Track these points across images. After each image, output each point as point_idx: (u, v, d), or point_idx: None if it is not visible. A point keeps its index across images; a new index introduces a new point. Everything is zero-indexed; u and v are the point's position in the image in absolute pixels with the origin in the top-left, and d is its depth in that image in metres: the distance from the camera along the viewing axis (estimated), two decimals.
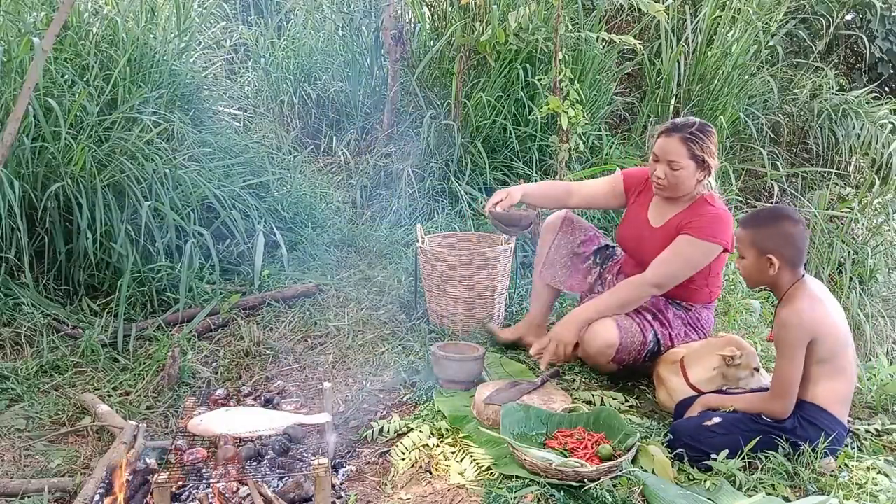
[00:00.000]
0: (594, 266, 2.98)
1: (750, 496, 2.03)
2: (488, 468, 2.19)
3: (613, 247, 3.04)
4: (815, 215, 5.08)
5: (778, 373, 2.17)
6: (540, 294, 3.08)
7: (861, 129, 5.63)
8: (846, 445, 2.29)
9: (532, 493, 2.04)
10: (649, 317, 2.70)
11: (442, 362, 2.75)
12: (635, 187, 2.84)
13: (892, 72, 6.16)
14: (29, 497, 2.21)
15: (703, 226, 2.58)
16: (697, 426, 2.24)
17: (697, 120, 2.64)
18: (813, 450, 2.14)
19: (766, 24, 5.46)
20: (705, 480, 2.11)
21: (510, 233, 2.98)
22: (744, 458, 2.14)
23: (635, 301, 2.64)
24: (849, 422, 2.36)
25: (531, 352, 2.72)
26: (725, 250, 2.64)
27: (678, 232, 2.62)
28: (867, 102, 5.82)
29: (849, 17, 6.04)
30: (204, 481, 2.17)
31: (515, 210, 2.82)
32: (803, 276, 2.22)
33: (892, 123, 5.73)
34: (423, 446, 2.37)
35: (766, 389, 2.29)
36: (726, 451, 2.13)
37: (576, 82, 3.90)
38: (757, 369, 2.41)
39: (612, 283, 2.90)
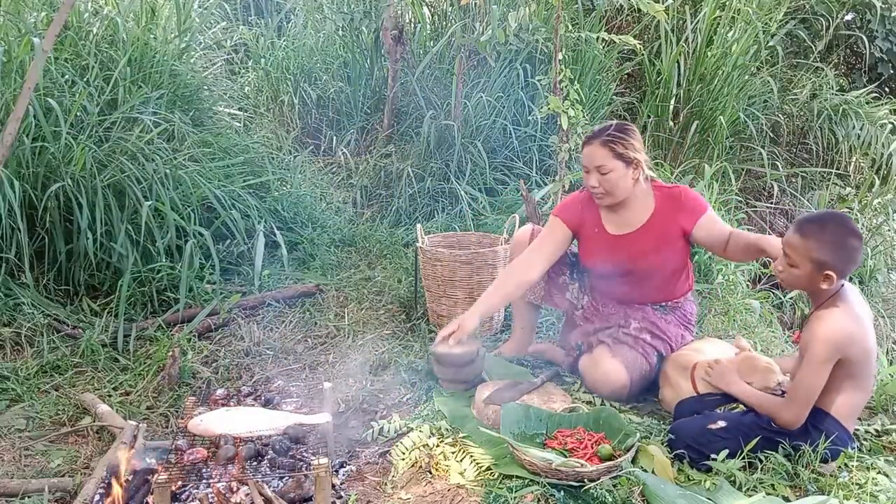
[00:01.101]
0: (571, 282, 2.93)
1: (750, 496, 2.03)
2: (488, 468, 2.19)
3: None
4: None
5: (799, 382, 2.10)
6: (521, 312, 3.03)
7: (861, 130, 5.64)
8: (848, 448, 2.28)
9: (532, 493, 2.04)
10: (648, 338, 2.69)
11: (442, 362, 2.74)
12: (574, 216, 2.78)
13: (892, 72, 6.16)
14: (29, 497, 2.21)
15: (696, 204, 2.65)
16: (701, 428, 2.21)
17: (615, 121, 2.67)
18: (813, 450, 2.14)
19: (766, 24, 5.47)
20: (705, 480, 2.10)
21: (452, 374, 2.68)
22: (744, 458, 2.13)
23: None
24: None
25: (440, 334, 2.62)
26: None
27: (675, 227, 2.64)
28: (867, 102, 5.82)
29: (849, 17, 6.05)
30: (204, 481, 2.17)
31: (457, 348, 2.60)
32: (843, 285, 2.16)
33: (892, 123, 5.73)
34: (423, 446, 2.37)
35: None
36: (726, 451, 2.13)
37: (576, 82, 3.90)
38: (780, 383, 2.30)
39: (591, 307, 2.87)
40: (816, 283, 2.11)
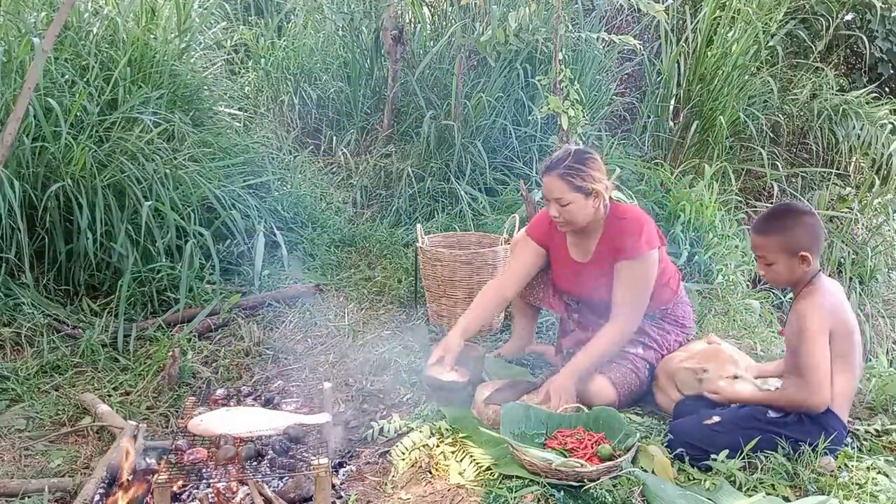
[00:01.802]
0: None
1: (750, 496, 2.03)
2: (488, 468, 2.19)
3: None
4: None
5: (807, 362, 2.11)
6: (521, 313, 3.03)
7: (861, 130, 5.63)
8: (846, 445, 2.28)
9: (532, 493, 2.04)
10: (640, 350, 2.67)
11: (433, 387, 2.65)
12: (544, 234, 2.78)
13: (892, 72, 6.16)
14: (29, 497, 2.21)
15: (627, 245, 2.55)
16: (697, 425, 2.23)
17: (573, 149, 2.59)
18: (813, 449, 2.14)
19: (766, 24, 5.47)
20: (705, 480, 2.11)
21: (442, 399, 2.68)
22: (744, 457, 2.13)
23: (620, 346, 2.60)
24: (849, 422, 2.35)
25: (537, 402, 2.53)
26: (660, 246, 2.63)
27: (611, 261, 2.59)
28: (867, 103, 5.82)
29: (849, 17, 6.04)
30: (204, 481, 2.17)
31: (450, 375, 2.61)
32: (819, 270, 2.21)
33: (892, 124, 5.73)
34: (423, 446, 2.37)
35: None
36: (726, 451, 2.13)
37: (576, 82, 3.91)
38: (737, 377, 2.34)
39: (584, 314, 2.86)
40: (797, 269, 2.18)
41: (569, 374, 2.54)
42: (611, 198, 2.66)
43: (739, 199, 4.88)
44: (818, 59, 5.99)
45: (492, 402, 2.47)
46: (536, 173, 4.60)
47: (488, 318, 2.94)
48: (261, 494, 2.10)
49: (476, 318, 2.77)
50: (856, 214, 5.33)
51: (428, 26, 5.43)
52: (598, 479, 2.06)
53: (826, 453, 2.17)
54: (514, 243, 3.00)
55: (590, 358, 2.56)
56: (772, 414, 2.20)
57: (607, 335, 2.56)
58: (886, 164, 5.64)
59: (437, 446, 2.35)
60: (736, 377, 2.33)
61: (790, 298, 2.35)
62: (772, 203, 5.27)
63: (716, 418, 2.21)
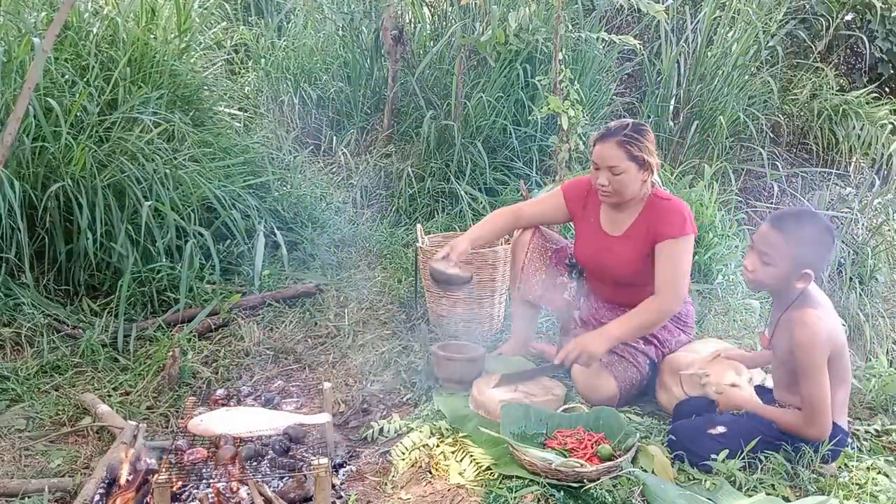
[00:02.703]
0: (570, 281, 2.92)
1: (750, 496, 2.03)
2: (488, 468, 2.20)
3: None
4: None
5: (810, 398, 2.07)
6: (520, 311, 3.02)
7: (861, 130, 5.63)
8: (846, 446, 2.28)
9: (532, 493, 2.04)
10: (641, 344, 2.67)
11: (443, 363, 2.74)
12: (578, 200, 2.79)
13: (892, 72, 6.16)
14: (29, 497, 2.21)
15: (673, 223, 2.55)
16: (701, 433, 2.21)
17: (630, 121, 2.61)
18: (815, 451, 2.14)
19: (766, 24, 5.47)
20: (705, 480, 2.11)
21: (445, 290, 2.91)
22: (744, 458, 2.13)
23: (657, 324, 2.60)
24: (849, 422, 2.35)
25: (556, 360, 2.59)
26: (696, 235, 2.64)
27: (648, 240, 2.59)
28: (867, 103, 5.82)
29: (849, 17, 6.04)
30: (204, 481, 2.17)
31: (453, 269, 2.74)
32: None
33: (892, 124, 5.73)
34: (423, 446, 2.37)
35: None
36: (726, 452, 2.13)
37: (576, 82, 3.91)
38: (734, 385, 2.33)
39: (588, 306, 2.87)
40: (791, 282, 2.08)
41: (600, 337, 2.52)
42: (655, 181, 2.66)
43: (739, 199, 4.88)
44: (818, 59, 5.99)
45: (504, 384, 2.53)
46: (537, 173, 4.60)
47: (497, 235, 2.96)
48: (261, 494, 2.10)
49: (486, 231, 2.85)
50: (856, 214, 5.33)
51: (428, 26, 5.42)
52: (598, 479, 2.06)
53: (828, 460, 2.17)
54: (515, 243, 3.00)
55: (626, 327, 2.54)
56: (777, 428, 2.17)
57: (648, 308, 2.54)
58: (886, 164, 5.64)
59: (437, 446, 2.36)
60: (734, 385, 2.32)
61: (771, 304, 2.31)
62: (772, 203, 5.27)
63: (720, 429, 2.18)
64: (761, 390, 2.39)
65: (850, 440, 2.33)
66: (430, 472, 2.24)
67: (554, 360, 2.58)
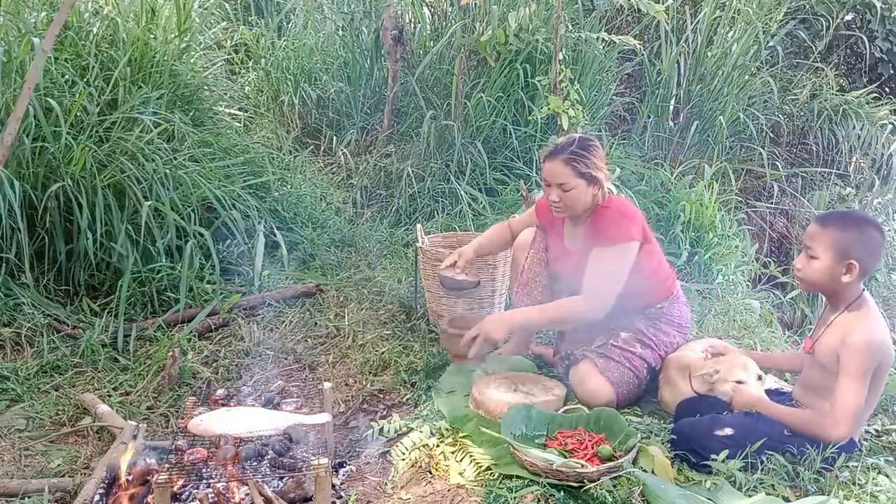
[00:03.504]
0: (564, 287, 2.92)
1: (750, 496, 2.03)
2: (488, 468, 2.19)
3: None
4: (816, 215, 5.08)
5: (843, 399, 2.03)
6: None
7: (861, 130, 5.64)
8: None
9: (532, 493, 2.04)
10: (638, 348, 2.66)
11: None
12: (546, 215, 2.84)
13: (892, 72, 6.16)
14: (29, 497, 2.21)
15: (604, 232, 2.57)
16: (707, 434, 2.18)
17: (577, 136, 2.64)
18: (818, 453, 2.13)
19: (766, 24, 5.47)
20: (705, 480, 2.10)
21: (455, 295, 3.19)
22: (744, 458, 2.13)
23: (571, 323, 2.66)
24: None
25: (469, 354, 2.61)
26: (643, 243, 2.61)
27: (592, 248, 2.61)
28: (867, 103, 5.83)
29: (849, 17, 6.05)
30: (204, 481, 2.17)
31: (461, 275, 2.96)
32: (864, 288, 2.14)
33: (892, 124, 5.73)
34: (423, 446, 2.37)
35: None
36: (726, 452, 2.12)
37: (576, 82, 3.91)
38: (740, 382, 2.32)
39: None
40: (837, 277, 2.08)
41: (504, 322, 2.61)
42: (609, 190, 2.68)
43: (739, 199, 4.88)
44: (818, 60, 6.00)
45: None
46: (536, 173, 4.60)
47: (497, 247, 3.11)
48: (261, 494, 2.10)
49: (487, 241, 3.05)
50: None
51: (428, 26, 5.43)
52: (599, 479, 2.06)
53: (831, 464, 2.16)
54: (516, 244, 3.01)
55: (535, 317, 2.66)
56: (787, 433, 2.14)
57: (566, 306, 2.60)
58: (886, 164, 5.64)
59: (437, 446, 2.36)
60: (740, 382, 2.31)
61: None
62: (772, 203, 5.28)
63: (728, 430, 2.16)
64: (770, 392, 2.37)
65: (857, 449, 2.31)
66: (430, 472, 2.24)
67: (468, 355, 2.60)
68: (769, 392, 2.34)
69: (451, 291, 3.02)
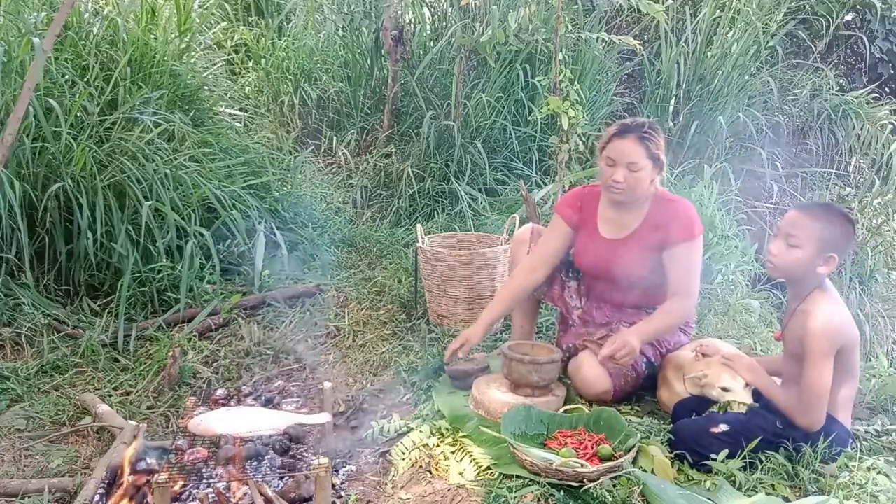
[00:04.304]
0: (568, 280, 2.88)
1: (750, 496, 2.03)
2: (488, 468, 2.19)
3: None
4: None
5: (808, 384, 2.06)
6: (521, 311, 2.96)
7: (861, 130, 5.64)
8: (848, 446, 2.28)
9: (532, 492, 2.04)
10: None
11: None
12: (573, 210, 2.75)
13: (892, 72, 6.16)
14: (29, 497, 2.22)
15: (683, 227, 2.54)
16: (703, 431, 2.19)
17: (645, 119, 2.62)
18: (814, 451, 2.13)
19: (766, 24, 5.47)
20: (705, 480, 2.10)
21: (461, 385, 2.78)
22: (744, 458, 2.13)
23: (675, 327, 2.63)
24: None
25: (602, 354, 2.50)
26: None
27: (658, 242, 2.57)
28: (867, 103, 5.82)
29: (849, 17, 6.05)
30: (204, 481, 2.17)
31: (467, 363, 2.73)
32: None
33: (892, 124, 5.73)
34: (423, 446, 2.37)
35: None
36: (726, 451, 2.13)
37: (576, 83, 3.90)
38: (726, 389, 2.30)
39: (589, 306, 2.84)
40: (814, 267, 2.10)
41: (635, 333, 2.51)
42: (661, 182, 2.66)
43: (739, 199, 4.88)
44: (818, 59, 5.99)
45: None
46: (536, 173, 4.61)
47: (517, 303, 2.84)
48: (261, 494, 2.10)
49: (502, 308, 2.77)
50: (856, 214, 5.33)
51: (428, 26, 5.43)
52: (599, 479, 2.06)
53: (828, 460, 2.16)
54: (515, 242, 3.00)
55: (653, 327, 2.55)
56: (780, 424, 2.16)
57: (670, 310, 2.55)
58: (886, 164, 5.64)
59: (437, 446, 2.36)
60: (725, 389, 2.31)
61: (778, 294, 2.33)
62: (772, 203, 5.27)
63: (723, 427, 2.17)
64: (759, 395, 2.37)
65: (851, 441, 2.33)
66: (430, 472, 2.24)
67: (600, 355, 2.51)
68: (757, 394, 2.35)
69: (460, 381, 2.73)
